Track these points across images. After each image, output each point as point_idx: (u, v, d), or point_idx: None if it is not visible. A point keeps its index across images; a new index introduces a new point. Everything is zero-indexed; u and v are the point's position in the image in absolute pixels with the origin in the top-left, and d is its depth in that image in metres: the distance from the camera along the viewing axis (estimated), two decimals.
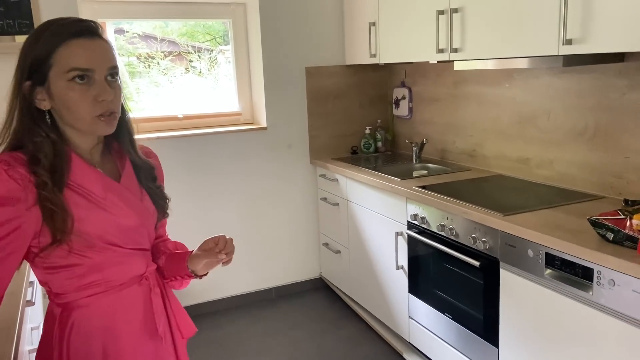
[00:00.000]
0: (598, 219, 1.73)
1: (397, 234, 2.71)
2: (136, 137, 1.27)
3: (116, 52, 1.18)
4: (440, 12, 2.57)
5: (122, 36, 3.38)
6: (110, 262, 1.15)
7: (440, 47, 2.61)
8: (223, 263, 1.27)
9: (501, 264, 2.06)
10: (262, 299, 3.63)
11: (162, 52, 3.49)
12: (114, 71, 1.12)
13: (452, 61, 2.60)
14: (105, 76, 1.10)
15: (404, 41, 2.94)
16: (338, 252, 3.45)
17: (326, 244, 3.63)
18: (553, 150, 2.51)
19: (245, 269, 3.56)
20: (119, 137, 1.23)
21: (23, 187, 1.03)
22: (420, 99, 3.44)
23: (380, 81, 3.74)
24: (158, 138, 3.15)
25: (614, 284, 1.62)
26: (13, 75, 1.10)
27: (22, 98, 1.08)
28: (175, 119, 3.43)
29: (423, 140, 3.27)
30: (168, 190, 1.36)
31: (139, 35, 3.43)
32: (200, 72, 3.63)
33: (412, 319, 2.72)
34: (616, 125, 2.21)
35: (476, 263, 2.15)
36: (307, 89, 3.54)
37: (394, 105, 3.67)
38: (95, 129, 1.12)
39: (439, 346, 2.51)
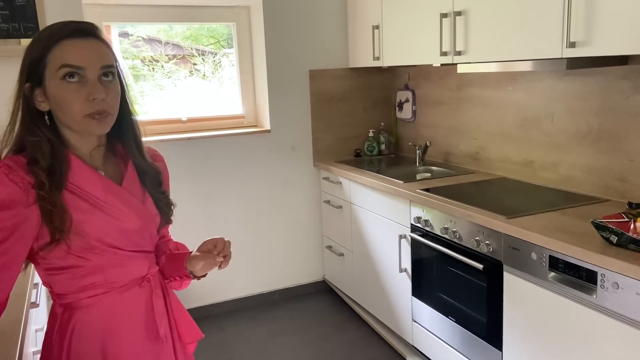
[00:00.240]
0: (602, 221, 1.73)
1: (401, 236, 2.71)
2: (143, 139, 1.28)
3: (116, 53, 1.17)
4: (444, 15, 2.57)
5: (127, 39, 3.39)
6: (111, 263, 1.15)
7: (443, 50, 2.61)
8: (219, 266, 1.28)
9: (505, 267, 2.06)
10: (265, 302, 3.63)
11: (166, 55, 3.50)
12: (108, 70, 1.11)
13: (456, 64, 2.60)
14: (98, 75, 1.09)
15: (407, 44, 2.94)
16: (341, 254, 3.45)
17: (329, 247, 3.63)
18: (557, 153, 2.51)
19: (249, 272, 3.57)
20: (124, 139, 1.23)
21: (24, 190, 1.04)
22: (424, 102, 3.44)
23: (384, 84, 3.74)
24: (162, 141, 3.16)
25: (618, 287, 1.62)
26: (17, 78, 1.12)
27: (24, 100, 1.10)
28: (179, 122, 3.44)
29: (427, 143, 3.27)
30: (172, 192, 1.36)
31: (143, 38, 3.44)
32: (204, 75, 3.64)
33: (415, 322, 2.72)
34: (620, 128, 2.20)
35: (480, 266, 2.15)
36: (310, 92, 3.55)
37: (397, 108, 3.67)
38: (86, 128, 1.11)
39: (443, 349, 2.51)
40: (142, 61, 3.44)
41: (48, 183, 1.06)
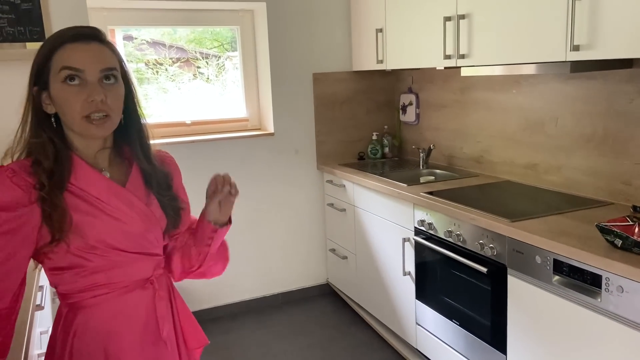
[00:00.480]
0: (606, 225, 1.72)
1: (404, 240, 2.71)
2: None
3: (119, 56, 1.18)
4: (448, 19, 2.57)
5: (131, 43, 3.40)
6: (113, 264, 1.16)
7: (447, 53, 2.61)
8: (232, 195, 1.25)
9: (509, 270, 2.06)
10: (268, 305, 3.63)
11: (170, 58, 3.51)
12: (109, 73, 1.12)
13: (460, 67, 2.60)
14: (98, 78, 1.11)
15: (411, 47, 2.94)
16: (345, 258, 3.45)
17: (333, 250, 3.63)
18: (561, 157, 2.50)
19: (252, 275, 3.57)
20: (130, 142, 1.23)
21: (26, 192, 1.06)
22: (427, 105, 3.44)
23: (387, 87, 3.74)
24: (166, 144, 3.16)
25: (623, 291, 1.61)
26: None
27: (33, 103, 1.13)
28: (183, 125, 3.45)
29: (430, 146, 3.27)
30: None
31: (147, 41, 3.45)
32: (208, 78, 3.65)
33: (419, 325, 2.71)
34: (625, 131, 2.20)
35: (484, 269, 2.14)
36: (314, 95, 3.55)
37: (401, 111, 3.67)
38: (85, 130, 1.12)
39: (446, 353, 2.50)
40: (146, 64, 3.45)
41: (48, 184, 1.08)
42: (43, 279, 1.92)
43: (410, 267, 2.72)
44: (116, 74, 1.14)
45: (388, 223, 2.88)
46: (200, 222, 1.30)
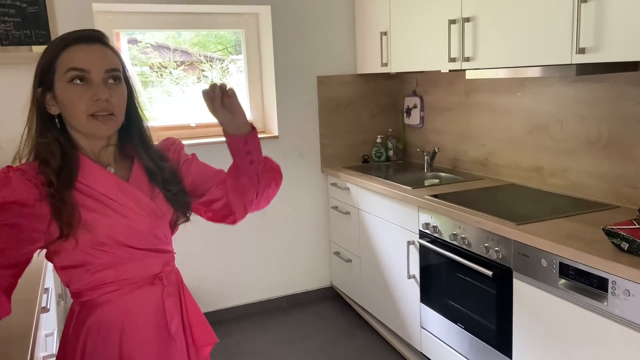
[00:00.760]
0: (612, 228, 1.72)
1: (409, 243, 2.70)
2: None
3: (124, 59, 1.22)
4: (452, 22, 2.57)
5: (136, 46, 3.42)
6: (122, 261, 1.18)
7: (452, 56, 2.61)
8: (228, 95, 1.20)
9: (514, 273, 2.05)
10: (272, 308, 3.63)
11: (174, 61, 3.52)
12: (113, 74, 1.16)
13: (464, 70, 2.60)
14: (103, 78, 1.14)
15: (415, 50, 2.94)
16: (349, 261, 3.45)
17: (337, 253, 3.62)
18: (566, 160, 2.49)
19: (256, 278, 3.57)
20: (132, 141, 1.26)
21: (38, 189, 1.09)
22: (432, 108, 3.43)
23: (392, 90, 3.74)
24: None
25: (629, 295, 1.60)
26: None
27: (37, 104, 1.15)
28: (188, 128, 3.46)
29: (435, 149, 3.26)
30: None
31: (151, 45, 3.46)
32: (212, 81, 3.65)
33: (424, 328, 2.70)
34: (630, 134, 2.19)
35: (489, 273, 2.13)
36: (318, 98, 3.55)
37: (405, 114, 3.67)
38: (91, 129, 1.15)
39: (451, 356, 2.49)
40: (150, 68, 3.46)
41: (57, 181, 1.10)
42: (48, 281, 1.93)
43: (415, 270, 2.71)
44: (119, 75, 1.18)
45: (392, 226, 2.88)
46: (230, 145, 1.27)
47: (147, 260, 1.23)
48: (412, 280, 2.74)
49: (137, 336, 1.21)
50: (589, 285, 1.74)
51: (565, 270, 1.82)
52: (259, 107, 3.62)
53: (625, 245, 1.67)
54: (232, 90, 1.20)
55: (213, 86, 1.18)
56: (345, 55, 3.59)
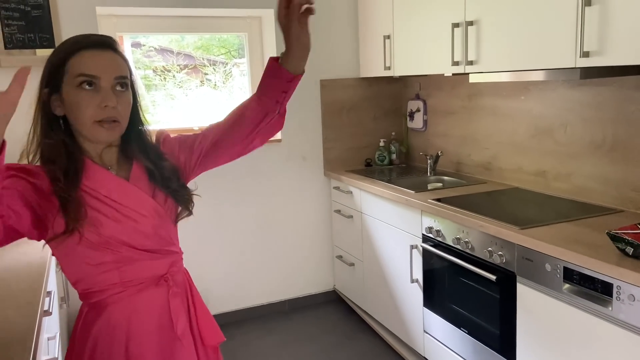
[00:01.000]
0: (617, 233, 1.71)
1: (412, 247, 2.69)
2: None
3: (131, 66, 1.23)
4: (456, 25, 2.57)
5: (139, 50, 3.42)
6: (126, 260, 1.19)
7: (455, 60, 2.61)
8: (310, 10, 1.13)
9: (518, 278, 2.04)
10: (275, 312, 3.62)
11: (177, 65, 3.53)
12: (122, 81, 1.17)
13: (468, 74, 2.60)
14: (112, 85, 1.15)
15: (418, 54, 2.94)
16: (352, 264, 3.44)
17: (340, 257, 3.61)
18: (571, 163, 2.49)
19: (259, 281, 3.56)
20: (131, 142, 1.27)
21: (44, 178, 1.12)
22: (435, 112, 3.43)
23: (395, 94, 3.74)
24: None
25: (634, 299, 1.59)
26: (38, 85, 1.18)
27: (42, 104, 1.17)
28: (191, 132, 3.45)
29: (438, 153, 3.26)
30: None
31: (155, 48, 3.47)
32: (215, 84, 3.66)
33: (427, 333, 2.69)
34: (635, 138, 2.18)
35: (492, 277, 2.12)
36: (321, 102, 3.55)
37: (408, 118, 3.67)
38: (95, 134, 1.16)
39: None
40: (154, 71, 3.47)
41: (63, 177, 1.12)
42: (51, 284, 1.92)
43: (418, 274, 2.70)
44: (127, 82, 1.19)
45: (395, 230, 2.87)
46: (272, 71, 1.23)
47: (151, 262, 1.23)
48: (415, 284, 2.73)
49: (143, 337, 1.22)
50: (594, 290, 1.73)
51: (570, 275, 1.81)
52: None
53: (630, 250, 1.66)
54: (313, 9, 1.12)
55: None
56: (348, 58, 3.59)
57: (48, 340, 1.76)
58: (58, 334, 1.98)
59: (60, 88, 1.14)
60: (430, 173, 3.25)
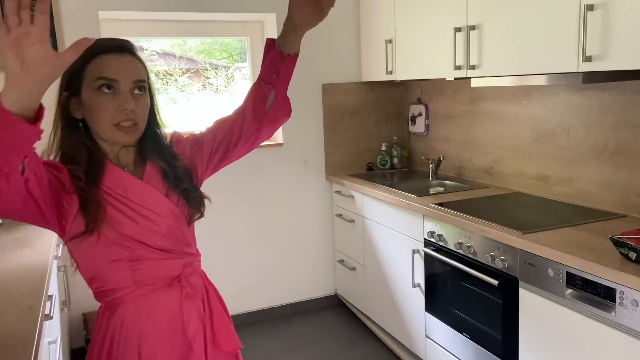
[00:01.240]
0: (620, 238, 1.70)
1: (414, 251, 2.69)
2: None
3: (147, 69, 1.25)
4: (458, 30, 2.57)
5: (141, 54, 3.43)
6: (139, 257, 1.20)
7: (457, 64, 2.61)
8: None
9: (520, 283, 2.03)
10: (276, 316, 3.61)
11: (180, 69, 3.54)
12: (140, 84, 1.19)
13: (470, 78, 2.60)
14: (130, 88, 1.17)
15: (420, 58, 2.94)
16: (353, 269, 3.43)
17: (341, 261, 3.61)
18: (573, 168, 2.48)
19: (260, 285, 3.55)
20: (147, 144, 1.28)
21: (67, 175, 1.14)
22: (437, 116, 3.43)
23: (397, 98, 3.74)
24: None
25: (638, 305, 1.59)
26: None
27: (61, 107, 1.19)
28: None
29: (440, 157, 3.26)
30: None
31: (157, 52, 3.48)
32: (217, 89, 3.66)
33: (428, 338, 2.68)
34: (638, 142, 2.18)
35: (495, 282, 2.12)
36: (323, 106, 3.56)
37: (410, 122, 3.67)
38: (113, 137, 1.18)
39: None
40: (156, 75, 3.48)
41: (84, 177, 1.14)
42: (52, 288, 1.92)
43: (420, 279, 2.70)
44: (145, 86, 1.22)
45: (397, 234, 2.86)
46: (266, 49, 1.33)
47: (165, 262, 1.24)
48: (417, 288, 2.72)
49: (155, 338, 1.23)
50: (596, 295, 1.72)
51: (572, 280, 1.80)
52: None
53: (633, 255, 1.65)
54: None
55: None
56: (350, 62, 3.59)
57: (49, 344, 1.75)
58: (59, 338, 1.97)
59: (79, 91, 1.16)
60: (432, 177, 3.25)
